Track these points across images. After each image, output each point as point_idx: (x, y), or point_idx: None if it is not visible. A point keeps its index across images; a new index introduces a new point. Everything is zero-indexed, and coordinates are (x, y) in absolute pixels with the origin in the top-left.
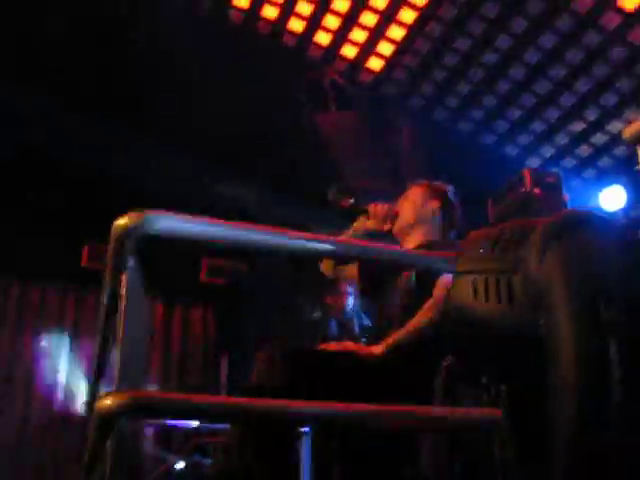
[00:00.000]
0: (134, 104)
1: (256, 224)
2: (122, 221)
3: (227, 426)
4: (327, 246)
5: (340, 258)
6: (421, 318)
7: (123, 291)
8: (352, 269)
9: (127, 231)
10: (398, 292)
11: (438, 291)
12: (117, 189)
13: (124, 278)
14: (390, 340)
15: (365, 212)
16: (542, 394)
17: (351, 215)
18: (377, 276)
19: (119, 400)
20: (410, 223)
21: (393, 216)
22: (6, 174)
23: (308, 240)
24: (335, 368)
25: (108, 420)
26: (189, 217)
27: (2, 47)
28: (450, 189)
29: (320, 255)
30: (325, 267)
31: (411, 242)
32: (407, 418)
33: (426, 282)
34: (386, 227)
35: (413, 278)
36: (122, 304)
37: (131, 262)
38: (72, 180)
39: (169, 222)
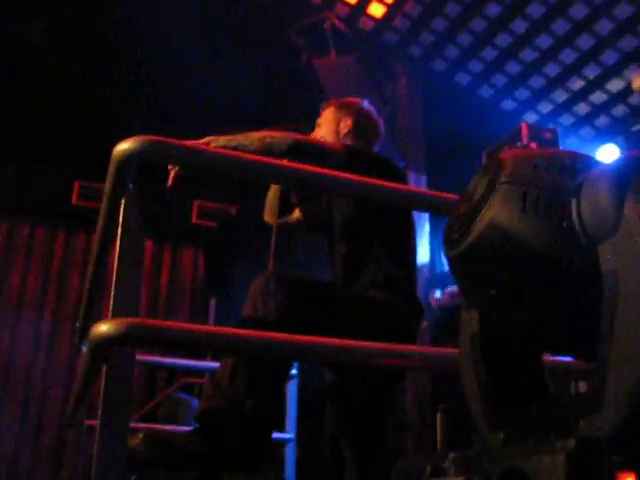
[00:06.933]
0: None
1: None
2: (124, 145)
3: (214, 365)
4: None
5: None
6: None
7: (121, 217)
8: (294, 213)
9: (128, 155)
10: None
11: None
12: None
13: (122, 204)
14: None
15: None
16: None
17: None
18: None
19: (115, 326)
20: None
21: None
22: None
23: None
24: (332, 300)
25: (102, 346)
26: (189, 144)
27: None
28: (363, 101)
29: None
30: (268, 216)
31: None
32: (398, 357)
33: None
34: None
35: None
36: (120, 230)
37: (130, 187)
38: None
39: (170, 148)
